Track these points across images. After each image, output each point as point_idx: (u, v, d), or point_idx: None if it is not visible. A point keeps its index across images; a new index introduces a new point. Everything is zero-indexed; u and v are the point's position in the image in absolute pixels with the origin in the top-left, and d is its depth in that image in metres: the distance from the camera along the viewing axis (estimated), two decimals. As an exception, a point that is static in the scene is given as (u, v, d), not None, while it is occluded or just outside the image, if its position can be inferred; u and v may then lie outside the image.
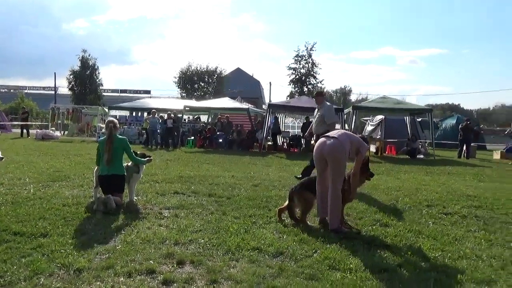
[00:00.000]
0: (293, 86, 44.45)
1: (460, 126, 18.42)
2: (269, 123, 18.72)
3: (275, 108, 19.63)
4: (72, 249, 3.73)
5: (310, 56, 43.53)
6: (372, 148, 18.71)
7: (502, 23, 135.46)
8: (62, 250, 3.67)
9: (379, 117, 21.61)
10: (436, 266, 3.61)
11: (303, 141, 18.95)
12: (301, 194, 4.94)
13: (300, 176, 8.45)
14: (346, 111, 19.24)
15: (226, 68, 49.13)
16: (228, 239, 4.15)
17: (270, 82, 50.24)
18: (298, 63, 43.94)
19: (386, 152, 18.60)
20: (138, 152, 6.18)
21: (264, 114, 19.94)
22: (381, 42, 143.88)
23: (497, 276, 3.39)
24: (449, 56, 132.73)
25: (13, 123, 27.28)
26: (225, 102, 21.56)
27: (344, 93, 72.35)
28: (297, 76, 44.08)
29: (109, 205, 5.23)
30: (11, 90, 59.56)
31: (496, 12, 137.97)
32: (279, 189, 7.24)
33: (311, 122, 19.54)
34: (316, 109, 8.39)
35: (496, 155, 18.46)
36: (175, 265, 3.47)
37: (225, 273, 3.32)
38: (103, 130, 5.76)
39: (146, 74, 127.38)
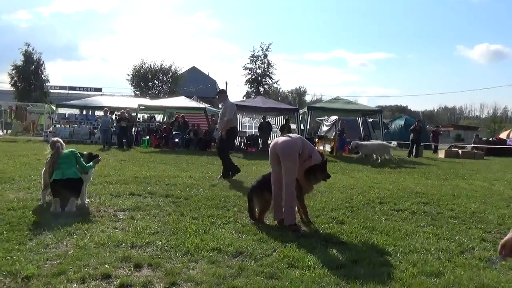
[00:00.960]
0: (249, 86, 44.68)
1: (411, 128, 19.34)
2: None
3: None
4: (19, 255, 3.50)
5: (265, 56, 43.98)
6: (327, 148, 19.25)
7: (443, 30, 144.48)
8: (8, 257, 3.43)
9: (334, 117, 22.31)
10: (389, 261, 3.78)
11: (260, 140, 19.12)
12: (259, 193, 4.97)
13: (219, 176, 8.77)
14: (301, 111, 19.63)
15: (181, 66, 48.28)
16: (186, 240, 4.09)
17: (226, 82, 50.16)
18: (254, 63, 44.25)
19: (340, 152, 19.20)
20: (85, 152, 5.91)
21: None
22: (333, 44, 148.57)
23: (444, 268, 3.60)
24: (396, 60, 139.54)
25: None
26: (181, 101, 21.22)
27: (299, 93, 73.91)
28: (253, 76, 44.36)
29: (69, 207, 5.05)
30: None
31: (437, 19, 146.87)
32: (237, 189, 7.24)
33: (268, 121, 19.84)
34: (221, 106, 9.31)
35: (441, 154, 19.66)
36: (132, 269, 3.36)
37: (184, 275, 3.27)
38: (49, 150, 5.54)
39: (96, 71, 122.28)
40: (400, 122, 28.73)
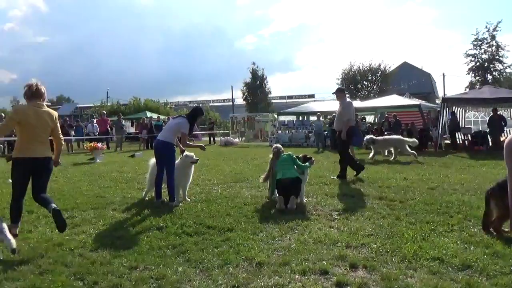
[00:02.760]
0: (473, 75, 38.82)
1: None
2: (444, 119, 16.81)
3: (451, 102, 17.47)
4: (253, 244, 4.13)
5: (493, 38, 37.28)
6: None
7: None
8: (245, 244, 4.10)
9: None
10: None
11: (489, 137, 16.34)
12: (499, 197, 4.26)
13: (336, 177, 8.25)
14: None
15: (391, 63, 46.41)
16: (403, 246, 3.91)
17: (443, 74, 44.75)
18: (478, 48, 38.18)
19: None
20: (300, 155, 6.45)
21: (438, 109, 18.01)
22: None
23: None
24: None
25: (202, 132, 32.03)
26: (392, 100, 20.39)
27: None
28: (478, 63, 38.31)
29: (290, 205, 5.61)
30: (200, 105, 69.51)
31: None
32: (461, 193, 6.42)
33: (500, 115, 16.74)
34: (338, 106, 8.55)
35: None
36: (347, 268, 3.46)
37: (402, 282, 3.13)
38: (271, 155, 6.36)
39: (308, 79, 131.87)
40: None
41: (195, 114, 6.39)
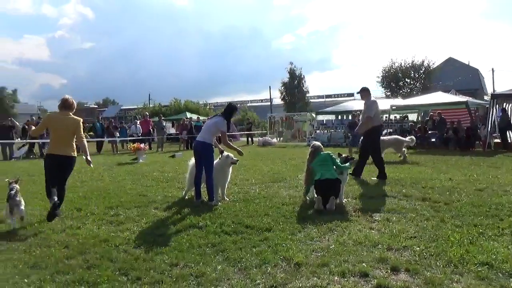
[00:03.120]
0: (527, 69, 36.37)
1: None
2: (494, 116, 15.90)
3: (501, 98, 16.48)
4: (292, 244, 4.11)
5: (551, 28, 34.76)
6: None
7: None
8: (283, 244, 4.09)
9: None
10: None
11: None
12: None
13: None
14: None
15: (435, 59, 44.48)
16: (448, 250, 3.75)
17: (492, 69, 42.43)
18: (533, 40, 35.71)
19: None
20: (343, 155, 6.33)
21: (487, 106, 17.06)
22: None
23: None
24: None
25: (240, 132, 32.32)
26: (437, 97, 19.56)
27: None
28: (533, 57, 35.84)
29: (329, 206, 5.54)
30: (238, 105, 70.10)
31: None
32: (513, 195, 6.06)
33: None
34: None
35: None
36: (389, 271, 3.36)
37: (447, 287, 3.01)
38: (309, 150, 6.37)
39: (347, 77, 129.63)
40: None
41: (230, 110, 6.52)
